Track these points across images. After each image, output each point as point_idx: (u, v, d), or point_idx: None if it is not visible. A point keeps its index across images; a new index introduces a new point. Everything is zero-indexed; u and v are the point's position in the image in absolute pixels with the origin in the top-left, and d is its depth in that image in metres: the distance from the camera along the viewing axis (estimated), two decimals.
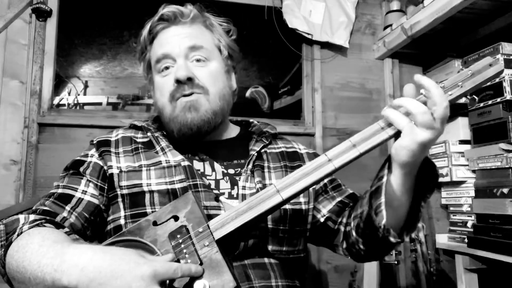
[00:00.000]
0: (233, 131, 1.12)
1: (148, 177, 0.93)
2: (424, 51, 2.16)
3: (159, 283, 0.68)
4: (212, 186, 0.95)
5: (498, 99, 1.75)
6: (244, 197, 0.93)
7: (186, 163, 0.95)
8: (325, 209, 1.03)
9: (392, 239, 0.82)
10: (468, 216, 1.97)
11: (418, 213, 0.87)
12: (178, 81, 0.97)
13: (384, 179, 0.81)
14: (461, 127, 2.01)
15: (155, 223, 0.80)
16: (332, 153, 0.79)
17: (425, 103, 0.75)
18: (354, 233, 0.93)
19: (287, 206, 0.95)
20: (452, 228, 2.06)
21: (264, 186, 0.96)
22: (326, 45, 2.16)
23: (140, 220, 0.81)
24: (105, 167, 0.96)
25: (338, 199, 1.04)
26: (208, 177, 0.96)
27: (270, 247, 0.92)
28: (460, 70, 0.84)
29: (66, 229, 0.85)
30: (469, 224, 1.94)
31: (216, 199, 0.90)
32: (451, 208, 2.08)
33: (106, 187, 0.95)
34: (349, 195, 1.06)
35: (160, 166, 0.95)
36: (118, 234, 0.81)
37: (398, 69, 2.23)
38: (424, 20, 1.79)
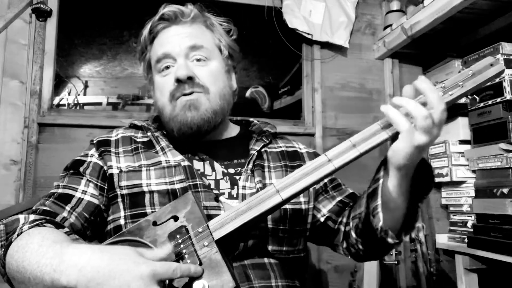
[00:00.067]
0: (233, 130, 1.11)
1: (148, 177, 0.93)
2: (424, 51, 2.16)
3: (158, 283, 0.68)
4: (212, 186, 0.95)
5: (498, 99, 1.75)
6: (244, 197, 0.93)
7: (186, 163, 0.95)
8: (325, 208, 1.03)
9: (390, 240, 0.83)
10: (468, 216, 1.97)
11: (416, 214, 0.88)
12: (179, 80, 0.96)
13: (380, 181, 0.82)
14: (461, 127, 2.01)
15: (155, 223, 0.80)
16: (332, 153, 0.79)
17: (425, 104, 0.75)
18: (353, 233, 0.94)
19: (287, 206, 0.95)
20: (452, 228, 2.06)
21: (264, 185, 0.96)
22: (326, 45, 2.16)
23: (140, 220, 0.81)
24: (105, 167, 0.96)
25: (338, 198, 1.04)
26: (208, 177, 0.96)
27: (270, 247, 0.92)
28: (461, 70, 0.84)
29: (66, 229, 0.84)
30: (469, 224, 1.94)
31: (216, 199, 0.90)
32: (451, 208, 2.08)
33: (106, 187, 0.95)
34: (349, 194, 1.06)
35: (160, 166, 0.95)
36: (118, 234, 0.81)
37: (398, 69, 2.23)
38: (424, 20, 1.79)
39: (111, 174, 0.95)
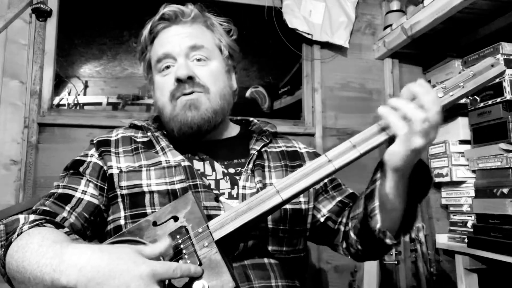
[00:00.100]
0: (233, 130, 1.11)
1: (148, 177, 0.93)
2: (424, 51, 2.16)
3: (158, 283, 0.68)
4: (212, 186, 0.95)
5: (498, 99, 1.75)
6: (244, 197, 0.93)
7: (186, 163, 0.95)
8: (325, 208, 1.03)
9: (388, 241, 0.84)
10: (468, 216, 1.97)
11: (415, 214, 0.88)
12: (179, 80, 0.96)
13: (377, 182, 0.82)
14: (461, 127, 2.01)
15: (155, 224, 0.80)
16: (332, 154, 0.79)
17: (423, 106, 0.75)
18: (352, 234, 0.94)
19: (287, 206, 0.95)
20: (452, 228, 2.06)
21: (265, 185, 0.96)
22: (326, 45, 2.16)
23: (140, 220, 0.81)
24: (105, 167, 0.96)
25: (338, 198, 1.05)
26: (208, 177, 0.96)
27: (270, 247, 0.92)
28: (462, 71, 0.84)
29: (66, 229, 0.84)
30: (469, 224, 1.94)
31: (216, 199, 0.90)
32: (451, 208, 2.08)
33: (106, 187, 0.95)
34: (349, 194, 1.07)
35: (160, 166, 0.95)
36: (118, 234, 0.81)
37: (398, 69, 2.23)
38: (424, 20, 1.79)
39: (111, 174, 0.95)
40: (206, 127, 0.98)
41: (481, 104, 1.83)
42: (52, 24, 1.86)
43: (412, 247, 1.97)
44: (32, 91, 1.79)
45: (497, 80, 1.69)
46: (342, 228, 1.00)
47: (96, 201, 0.93)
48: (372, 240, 0.87)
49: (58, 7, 1.89)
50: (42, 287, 0.69)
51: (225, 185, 0.96)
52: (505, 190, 1.71)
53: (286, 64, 2.27)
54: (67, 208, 0.90)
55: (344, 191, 1.07)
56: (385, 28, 2.15)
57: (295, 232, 0.97)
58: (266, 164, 1.02)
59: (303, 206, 1.00)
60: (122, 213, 0.92)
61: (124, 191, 0.92)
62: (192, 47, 1.00)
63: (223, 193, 0.95)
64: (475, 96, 0.80)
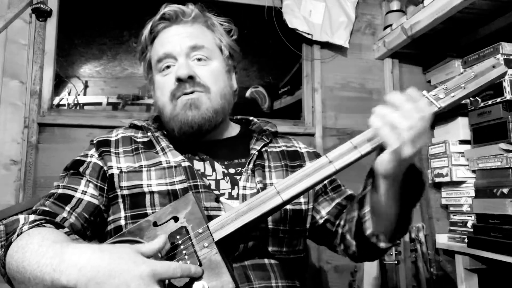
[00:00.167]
0: (233, 130, 1.11)
1: (149, 177, 0.93)
2: (424, 51, 2.16)
3: (158, 283, 0.68)
4: (213, 186, 0.95)
5: (498, 99, 1.75)
6: (244, 197, 0.93)
7: (187, 163, 0.95)
8: (324, 210, 1.03)
9: (381, 245, 0.87)
10: (468, 216, 1.97)
11: (409, 218, 0.89)
12: (179, 80, 0.96)
13: (368, 188, 0.84)
14: (461, 127, 2.01)
15: (155, 224, 0.80)
16: (333, 155, 0.80)
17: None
18: (348, 236, 0.96)
19: (287, 207, 0.95)
20: (452, 228, 2.06)
21: (265, 185, 0.96)
22: (326, 45, 2.15)
23: (140, 221, 0.81)
24: (105, 168, 0.96)
25: (337, 200, 1.05)
26: (208, 177, 0.96)
27: (270, 248, 0.92)
28: (462, 71, 0.84)
29: (66, 229, 0.85)
30: (469, 224, 1.94)
31: (217, 200, 0.90)
32: (451, 208, 2.08)
33: (105, 188, 0.95)
34: (348, 196, 1.07)
35: (160, 166, 0.95)
36: (119, 235, 0.81)
37: (398, 69, 2.23)
38: (424, 20, 1.78)
39: (111, 175, 0.95)
40: (206, 127, 0.98)
41: (481, 104, 1.83)
42: (52, 24, 1.86)
43: (412, 247, 1.97)
44: (32, 91, 1.79)
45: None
46: (340, 230, 1.00)
47: (96, 202, 0.93)
48: (367, 243, 0.88)
49: (58, 7, 1.89)
50: (42, 287, 0.69)
51: (225, 185, 0.96)
52: (505, 190, 1.71)
53: (286, 64, 2.26)
54: (67, 208, 0.90)
55: (343, 193, 1.07)
56: (385, 28, 2.15)
57: (295, 232, 0.97)
58: (267, 164, 1.02)
59: (303, 207, 1.00)
60: (122, 214, 0.92)
61: (125, 192, 0.92)
62: (192, 47, 1.00)
63: (224, 194, 0.95)
64: (476, 98, 0.80)
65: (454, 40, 2.05)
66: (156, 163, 0.95)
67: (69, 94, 2.11)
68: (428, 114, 0.74)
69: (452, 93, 0.78)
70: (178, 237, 0.77)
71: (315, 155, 1.10)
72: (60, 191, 0.93)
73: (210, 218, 0.83)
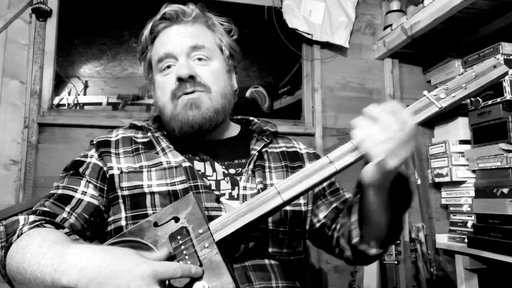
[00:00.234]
0: (233, 130, 1.11)
1: (149, 178, 0.93)
2: (424, 51, 2.16)
3: (158, 283, 0.68)
4: (213, 187, 0.95)
5: (498, 99, 1.75)
6: (245, 197, 0.93)
7: (187, 164, 0.94)
8: (321, 214, 1.03)
9: (372, 252, 0.89)
10: (468, 216, 1.97)
11: (400, 225, 0.90)
12: (180, 79, 0.96)
13: (357, 197, 0.86)
14: (461, 127, 2.01)
15: (155, 224, 0.80)
16: (334, 155, 0.79)
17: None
18: (342, 241, 0.97)
19: (287, 208, 0.95)
20: (452, 228, 2.06)
21: (265, 186, 0.96)
22: (326, 45, 2.15)
23: (141, 221, 0.81)
24: (105, 168, 0.96)
25: (335, 204, 1.04)
26: (209, 178, 0.96)
27: (270, 249, 0.92)
28: (462, 71, 0.84)
29: (66, 230, 0.84)
30: (469, 224, 1.94)
31: (217, 200, 0.90)
32: (451, 208, 2.08)
33: (105, 188, 0.94)
34: (346, 200, 1.07)
35: (161, 167, 0.94)
36: (119, 235, 0.81)
37: (398, 69, 2.23)
38: (424, 20, 1.79)
39: (112, 175, 0.94)
40: (207, 127, 0.97)
41: (482, 104, 1.83)
42: (52, 24, 1.86)
43: (412, 247, 1.97)
44: (32, 91, 1.79)
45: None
46: (335, 234, 1.00)
47: (96, 202, 0.93)
48: (357, 250, 0.91)
49: (58, 7, 1.89)
50: (43, 287, 0.69)
51: (225, 185, 0.96)
52: (505, 190, 1.71)
53: (286, 64, 2.26)
54: (67, 209, 0.90)
55: (341, 197, 1.07)
56: (385, 28, 2.15)
57: (295, 234, 0.97)
58: (267, 164, 1.02)
59: (303, 208, 1.00)
60: (123, 214, 0.92)
61: (125, 192, 0.92)
62: (193, 47, 1.00)
63: (224, 194, 0.94)
64: (477, 98, 0.80)
65: (454, 40, 2.05)
66: (157, 164, 0.95)
67: (69, 94, 2.10)
68: (410, 125, 0.74)
69: (453, 93, 0.78)
70: (178, 237, 0.77)
71: (315, 156, 1.10)
72: (60, 191, 0.93)
73: (210, 218, 0.83)
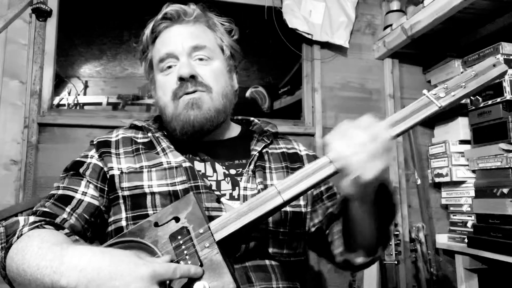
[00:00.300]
0: (234, 130, 1.11)
1: (149, 178, 0.93)
2: (424, 51, 2.16)
3: (158, 284, 0.68)
4: (214, 187, 0.95)
5: (498, 99, 1.75)
6: (245, 198, 0.93)
7: (188, 164, 0.94)
8: (317, 218, 1.03)
9: (358, 261, 0.90)
10: (468, 216, 1.97)
11: (387, 234, 0.91)
12: (181, 79, 0.96)
13: (339, 208, 0.88)
14: (461, 127, 2.01)
15: (156, 224, 0.79)
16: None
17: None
18: (331, 247, 0.98)
19: (288, 209, 0.95)
20: (452, 228, 2.06)
21: (266, 186, 0.96)
22: (326, 45, 2.16)
23: (141, 221, 0.81)
24: (105, 169, 0.96)
25: (330, 210, 1.04)
26: (209, 178, 0.96)
27: (270, 250, 0.92)
28: (462, 71, 0.84)
29: (66, 231, 0.84)
30: (469, 224, 1.94)
31: (218, 200, 0.90)
32: (451, 208, 2.08)
33: (106, 189, 0.94)
34: None
35: (161, 167, 0.94)
36: (120, 235, 0.81)
37: (398, 69, 2.23)
38: (424, 20, 1.79)
39: (112, 176, 0.94)
40: (208, 126, 0.97)
41: (482, 104, 1.83)
42: (52, 24, 1.86)
43: (412, 247, 1.98)
44: (32, 91, 1.79)
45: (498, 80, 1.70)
46: (328, 239, 1.00)
47: (96, 203, 0.93)
48: (344, 258, 0.92)
49: (58, 7, 1.89)
50: None
51: (226, 186, 0.96)
52: (505, 190, 1.71)
53: (286, 64, 2.26)
54: (67, 209, 0.89)
55: (338, 201, 1.07)
56: (385, 28, 2.15)
57: (295, 235, 0.97)
58: (267, 165, 1.02)
59: (303, 209, 1.00)
60: (123, 214, 0.92)
61: (126, 192, 0.92)
62: (194, 47, 0.99)
63: (224, 194, 0.94)
64: (477, 96, 0.80)
65: (454, 40, 2.06)
66: (157, 164, 0.95)
67: (69, 94, 2.10)
68: (382, 138, 0.73)
69: (452, 92, 0.78)
70: (179, 237, 0.77)
71: (314, 158, 1.10)
72: (60, 192, 0.93)
73: (211, 218, 0.83)
